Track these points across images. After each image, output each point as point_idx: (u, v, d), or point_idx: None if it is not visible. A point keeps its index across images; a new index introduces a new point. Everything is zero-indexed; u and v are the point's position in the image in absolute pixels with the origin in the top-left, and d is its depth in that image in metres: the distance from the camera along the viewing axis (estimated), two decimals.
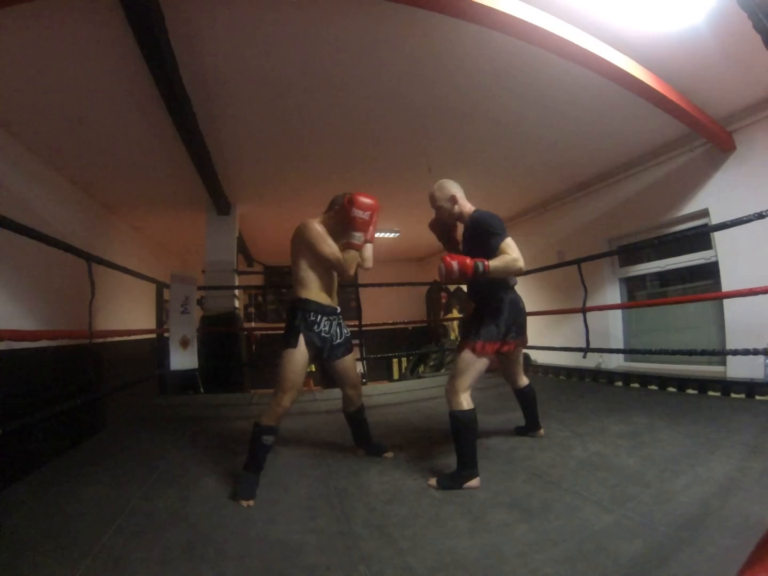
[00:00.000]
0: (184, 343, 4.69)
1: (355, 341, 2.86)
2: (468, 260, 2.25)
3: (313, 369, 7.34)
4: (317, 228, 2.36)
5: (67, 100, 3.40)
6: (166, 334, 4.79)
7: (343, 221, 2.38)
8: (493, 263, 2.25)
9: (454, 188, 2.56)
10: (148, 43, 2.67)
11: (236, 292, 6.31)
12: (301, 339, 2.29)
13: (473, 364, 2.33)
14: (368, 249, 2.54)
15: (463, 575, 1.45)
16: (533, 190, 6.38)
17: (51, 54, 2.87)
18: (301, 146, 4.57)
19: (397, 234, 8.46)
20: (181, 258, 9.76)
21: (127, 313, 6.44)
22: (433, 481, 2.24)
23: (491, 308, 2.41)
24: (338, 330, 2.51)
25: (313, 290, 2.40)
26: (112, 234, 6.34)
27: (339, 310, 2.54)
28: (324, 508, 2.00)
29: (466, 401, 2.28)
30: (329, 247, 2.33)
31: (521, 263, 2.28)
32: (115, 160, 4.56)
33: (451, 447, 2.79)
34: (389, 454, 2.71)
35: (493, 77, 3.42)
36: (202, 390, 5.31)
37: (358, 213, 2.29)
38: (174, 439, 3.09)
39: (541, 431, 2.90)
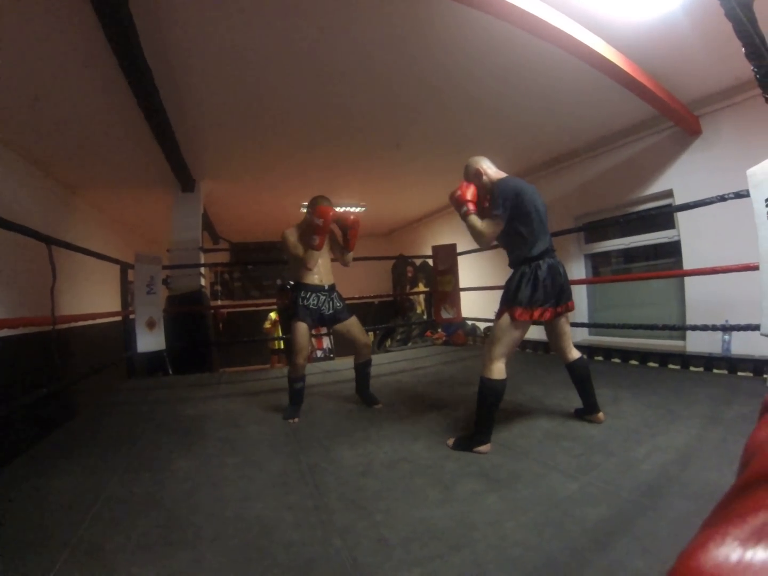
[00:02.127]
0: (151, 325, 4.57)
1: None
2: (468, 196, 2.42)
3: (282, 347, 7.30)
4: (287, 235, 3.11)
5: (21, 76, 3.18)
6: (131, 316, 4.66)
7: (308, 226, 3.06)
8: (472, 219, 2.42)
9: (478, 162, 2.56)
10: (107, 14, 2.50)
11: (202, 270, 6.15)
12: (300, 311, 3.03)
13: (509, 332, 2.30)
14: (348, 256, 3.32)
15: (436, 544, 1.47)
16: (502, 167, 6.39)
17: (2, 27, 2.66)
18: (267, 122, 4.44)
19: (364, 209, 8.37)
20: (147, 238, 9.47)
21: (92, 296, 6.21)
22: (450, 441, 2.35)
23: (525, 274, 2.34)
24: (329, 303, 3.16)
25: (301, 275, 3.11)
26: (75, 215, 6.07)
27: (327, 287, 3.17)
28: (297, 484, 2.00)
29: (497, 370, 2.29)
30: (293, 248, 3.08)
31: (482, 240, 2.41)
32: (76, 138, 4.34)
33: (421, 418, 2.85)
34: (378, 406, 3.21)
35: (468, 54, 3.37)
36: (170, 371, 5.21)
37: (315, 220, 2.96)
38: (145, 422, 3.03)
39: (600, 415, 2.55)
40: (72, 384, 3.61)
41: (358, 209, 8.33)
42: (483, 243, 2.42)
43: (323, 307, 3.12)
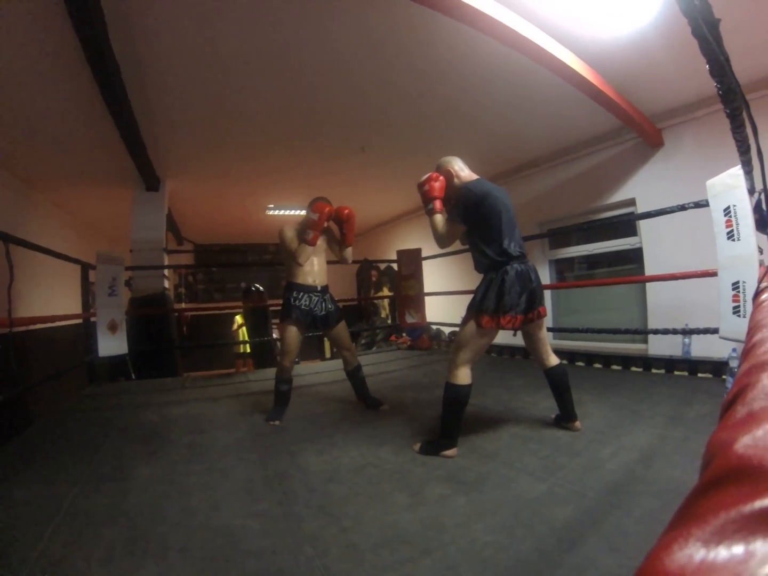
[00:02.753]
0: (113, 328, 4.42)
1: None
2: (436, 192, 2.44)
3: (247, 350, 7.20)
4: (284, 229, 3.08)
5: None
6: (93, 319, 4.48)
7: (305, 222, 3.05)
8: (434, 219, 2.47)
9: (449, 164, 2.53)
10: (74, 6, 2.41)
11: (166, 271, 6.01)
12: (291, 312, 2.97)
13: (474, 339, 2.29)
14: (348, 252, 3.27)
15: (407, 549, 1.47)
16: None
17: None
18: (235, 121, 4.38)
19: None
20: (109, 237, 9.19)
21: (51, 297, 5.98)
22: (416, 446, 2.35)
23: (493, 280, 2.29)
24: (321, 304, 3.09)
25: (294, 274, 3.06)
26: (34, 211, 5.84)
27: (320, 287, 3.12)
28: (265, 491, 1.97)
29: (462, 375, 2.28)
30: (289, 241, 3.05)
31: (440, 244, 2.48)
32: (36, 131, 4.17)
33: (386, 423, 2.85)
34: (385, 407, 3.20)
35: (439, 61, 3.39)
36: (133, 376, 5.06)
37: (311, 215, 2.98)
38: (107, 430, 2.92)
39: (577, 423, 2.50)
40: (30, 390, 3.45)
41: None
42: (440, 244, 2.48)
43: (315, 309, 3.06)
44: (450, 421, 2.29)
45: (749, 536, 0.18)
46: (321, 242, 3.15)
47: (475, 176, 2.52)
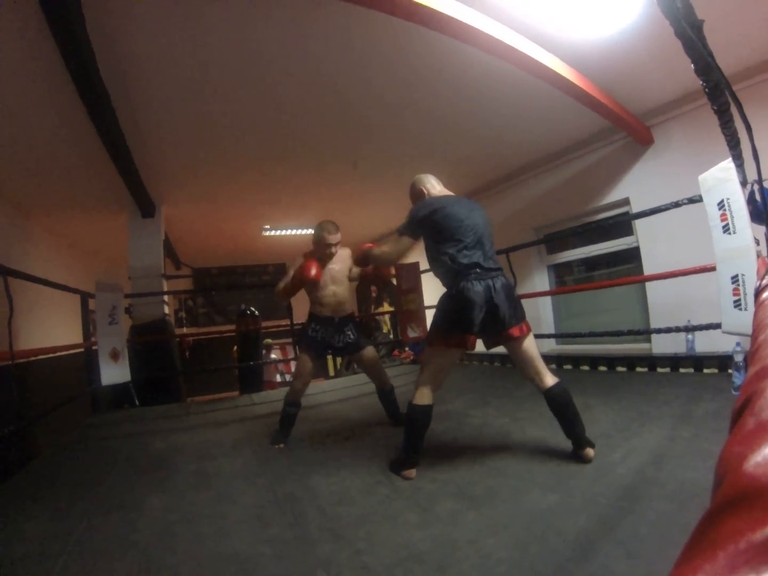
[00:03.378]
0: (115, 356, 4.40)
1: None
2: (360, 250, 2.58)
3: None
4: (288, 270, 3.13)
5: None
6: (94, 348, 4.48)
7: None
8: (372, 252, 2.57)
9: (422, 182, 2.50)
10: (62, 34, 2.43)
11: (165, 297, 6.01)
12: (306, 342, 3.06)
13: (433, 358, 2.27)
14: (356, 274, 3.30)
15: (420, 568, 1.44)
16: (460, 182, 6.45)
17: None
18: (227, 144, 4.40)
19: None
20: (108, 264, 9.14)
21: (52, 327, 5.94)
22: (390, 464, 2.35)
23: (446, 298, 2.23)
24: (339, 335, 3.08)
25: (315, 305, 3.10)
26: (29, 241, 5.81)
27: (337, 319, 3.07)
28: (275, 516, 1.94)
29: (423, 395, 2.23)
30: (284, 284, 3.08)
31: (384, 257, 2.50)
32: (29, 159, 4.18)
33: (393, 440, 2.82)
34: None
35: (426, 71, 3.42)
36: (137, 403, 5.03)
37: (296, 275, 2.97)
38: (113, 459, 2.88)
39: (588, 451, 2.14)
40: (34, 422, 3.43)
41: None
42: (385, 260, 2.51)
43: (332, 340, 3.05)
44: (410, 441, 2.26)
45: (759, 566, 0.17)
46: (341, 267, 3.11)
47: (446, 192, 2.48)
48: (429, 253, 2.36)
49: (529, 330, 2.28)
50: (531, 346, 2.28)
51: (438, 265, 2.29)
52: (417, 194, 2.50)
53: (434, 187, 2.49)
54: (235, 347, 7.46)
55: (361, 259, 2.71)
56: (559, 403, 2.23)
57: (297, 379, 3.06)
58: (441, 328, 2.21)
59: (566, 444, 2.34)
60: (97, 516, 2.03)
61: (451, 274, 2.20)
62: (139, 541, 1.78)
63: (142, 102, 3.47)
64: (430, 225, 2.26)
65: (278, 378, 7.83)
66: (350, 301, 3.22)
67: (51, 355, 4.48)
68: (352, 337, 3.11)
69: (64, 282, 4.03)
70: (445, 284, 2.29)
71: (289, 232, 8.00)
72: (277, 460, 2.66)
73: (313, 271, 2.87)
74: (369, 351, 3.17)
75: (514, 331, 2.21)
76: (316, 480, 2.30)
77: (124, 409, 4.90)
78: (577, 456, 2.18)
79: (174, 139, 4.17)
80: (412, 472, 2.21)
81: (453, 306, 2.17)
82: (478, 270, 2.18)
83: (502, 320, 2.17)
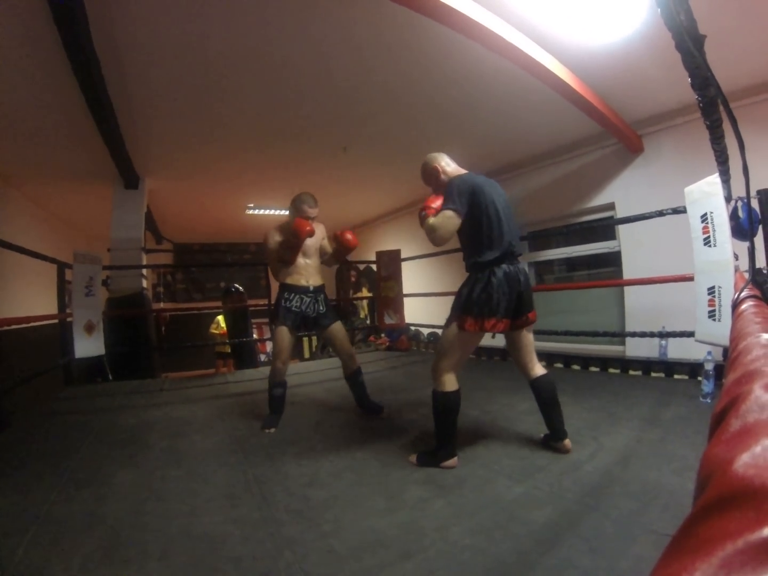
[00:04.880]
0: (89, 329, 4.31)
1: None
2: (432, 204, 2.21)
3: (228, 351, 7.08)
4: (267, 237, 3.02)
5: None
6: (69, 319, 4.38)
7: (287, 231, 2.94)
8: (429, 221, 2.17)
9: (435, 160, 2.39)
10: None
11: (144, 271, 5.91)
12: (281, 314, 2.90)
13: (458, 343, 2.17)
14: (331, 264, 3.31)
15: (386, 553, 1.46)
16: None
17: None
18: (216, 120, 4.30)
19: None
20: (87, 235, 8.97)
21: (26, 297, 5.80)
22: (413, 458, 2.23)
23: (479, 282, 2.14)
24: (313, 305, 3.00)
25: (286, 275, 2.98)
26: (9, 208, 5.65)
27: (312, 288, 3.01)
28: (244, 496, 1.94)
29: (448, 382, 2.17)
30: (270, 254, 3.00)
31: (435, 235, 2.15)
32: (12, 124, 4.03)
33: (365, 425, 2.84)
34: (385, 413, 3.11)
35: (424, 62, 3.38)
36: (110, 378, 4.95)
37: (290, 235, 2.86)
38: (84, 433, 2.84)
39: (566, 443, 2.24)
40: (4, 393, 3.35)
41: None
42: (436, 237, 2.16)
43: (307, 310, 2.97)
44: (443, 431, 2.17)
45: (759, 568, 0.17)
46: (313, 241, 3.04)
47: (462, 170, 2.37)
48: (462, 233, 2.23)
49: (536, 317, 2.35)
50: (531, 333, 2.36)
51: (472, 247, 2.21)
52: (430, 172, 2.39)
53: (449, 164, 2.40)
54: (214, 326, 7.35)
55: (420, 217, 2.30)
56: (547, 393, 2.32)
57: (277, 357, 2.93)
58: (472, 311, 2.11)
59: (536, 438, 2.42)
60: (66, 491, 2.01)
61: (485, 258, 2.16)
62: (107, 517, 1.77)
63: (134, 71, 3.35)
64: (470, 204, 2.15)
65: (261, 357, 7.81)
66: (322, 275, 3.14)
67: (24, 325, 4.37)
68: (322, 308, 3.04)
69: (42, 252, 3.92)
70: (472, 267, 2.21)
71: (273, 212, 7.92)
72: (249, 441, 2.66)
73: (308, 227, 2.83)
74: (339, 325, 3.12)
75: (532, 315, 2.29)
76: (286, 462, 2.31)
77: (97, 383, 4.83)
78: (554, 447, 2.27)
79: (163, 111, 4.06)
80: (454, 461, 2.14)
81: (489, 290, 2.11)
82: (512, 253, 2.21)
83: (527, 304, 2.24)
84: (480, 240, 2.17)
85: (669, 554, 0.22)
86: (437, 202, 2.22)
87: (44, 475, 2.17)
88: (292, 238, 2.85)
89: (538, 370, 2.34)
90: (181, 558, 1.48)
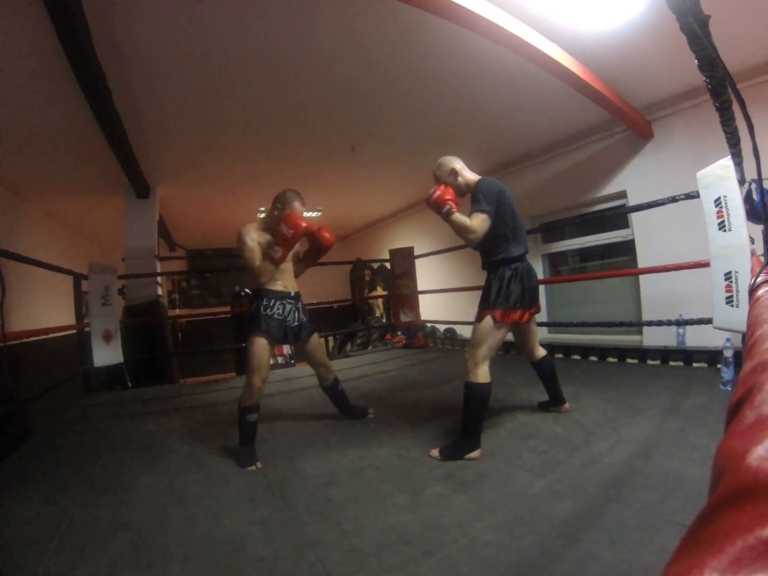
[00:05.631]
0: (107, 337, 4.39)
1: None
2: (448, 196, 2.31)
3: None
4: (243, 235, 2.60)
5: None
6: (87, 329, 4.46)
7: (274, 229, 2.56)
8: (457, 217, 2.29)
9: (453, 162, 2.48)
10: (57, 9, 2.36)
11: (159, 279, 5.98)
12: (262, 322, 2.56)
13: (492, 334, 2.29)
14: (302, 270, 2.94)
15: (408, 550, 1.46)
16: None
17: None
18: (224, 125, 4.33)
19: (320, 213, 8.31)
20: (102, 246, 9.10)
21: (44, 309, 5.90)
22: (435, 452, 2.26)
23: (507, 276, 2.34)
24: (295, 313, 2.73)
25: (267, 279, 2.62)
26: (24, 222, 5.75)
27: (293, 293, 2.75)
28: (265, 498, 1.96)
29: (483, 374, 2.26)
30: (248, 254, 2.57)
31: (474, 236, 2.27)
32: (23, 140, 4.10)
33: (383, 423, 2.83)
34: (371, 414, 3.05)
35: (428, 57, 3.37)
36: (130, 385, 5.02)
37: (284, 229, 2.48)
38: (106, 440, 2.89)
39: (566, 406, 2.72)
40: (26, 403, 3.41)
41: (315, 213, 8.25)
42: (474, 239, 2.29)
43: (289, 318, 2.68)
44: (473, 422, 2.23)
45: None
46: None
47: (477, 176, 2.49)
48: (491, 231, 2.33)
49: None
50: (535, 320, 2.68)
51: (501, 244, 2.38)
52: (448, 173, 2.47)
53: (465, 168, 2.51)
54: None
55: (436, 205, 2.35)
56: (549, 370, 2.70)
57: (255, 372, 2.48)
58: (505, 303, 2.29)
59: (557, 431, 2.43)
60: (90, 497, 2.05)
61: (514, 254, 2.38)
62: (131, 522, 1.80)
63: (139, 83, 3.40)
64: (500, 206, 2.33)
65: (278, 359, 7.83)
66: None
67: (43, 337, 4.45)
68: (304, 317, 2.80)
69: (58, 264, 4.00)
70: (499, 263, 2.39)
71: None
72: (267, 443, 2.68)
73: (305, 223, 2.55)
74: (316, 336, 2.91)
75: (538, 305, 2.55)
76: (305, 462, 2.33)
77: (116, 391, 4.90)
78: (555, 410, 2.73)
79: (171, 121, 4.11)
80: (478, 453, 2.20)
81: (518, 284, 2.33)
82: (526, 252, 2.46)
83: (537, 295, 2.50)
84: (507, 237, 2.38)
85: (682, 549, 0.22)
86: (450, 192, 2.36)
87: (68, 483, 2.22)
88: (288, 234, 2.48)
89: (541, 351, 2.71)
90: (203, 561, 1.50)
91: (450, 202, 2.32)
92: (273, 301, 2.64)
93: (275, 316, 2.62)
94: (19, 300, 5.02)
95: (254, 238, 2.60)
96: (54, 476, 2.32)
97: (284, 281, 2.73)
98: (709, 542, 0.20)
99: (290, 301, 2.72)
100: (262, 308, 2.60)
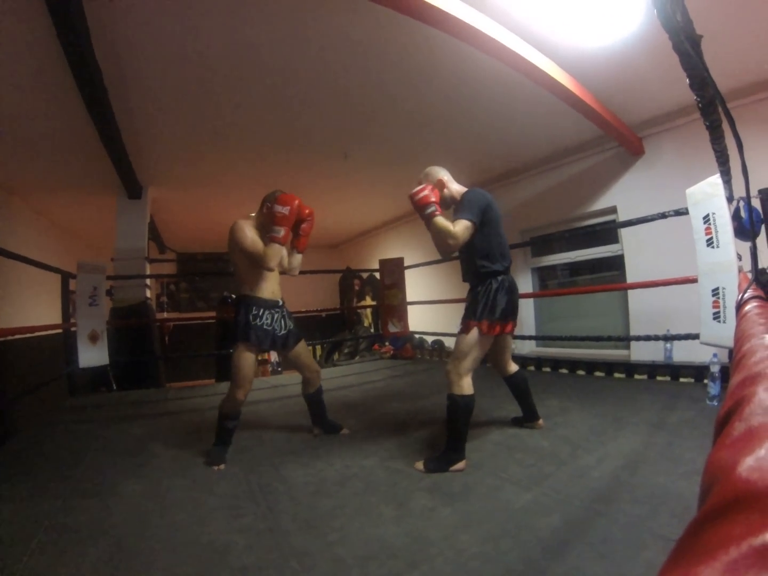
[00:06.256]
0: (93, 338, 4.34)
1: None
2: (433, 198, 2.27)
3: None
4: (242, 226, 2.50)
5: None
6: (73, 329, 4.41)
7: (268, 219, 2.51)
8: (439, 220, 2.23)
9: (440, 173, 2.47)
10: (57, 7, 2.36)
11: (148, 281, 5.93)
12: (250, 333, 2.48)
13: (477, 346, 2.27)
14: (297, 259, 2.81)
15: (393, 562, 1.45)
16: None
17: None
18: (217, 129, 4.33)
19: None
20: (91, 245, 9.02)
21: (30, 307, 5.81)
22: (419, 465, 2.23)
23: (492, 288, 2.31)
24: (282, 322, 2.67)
25: (253, 286, 2.57)
26: (13, 219, 5.68)
27: (281, 302, 2.71)
28: (249, 506, 1.93)
29: (467, 385, 2.24)
30: (251, 241, 2.46)
31: (454, 243, 2.22)
32: (16, 136, 4.07)
33: (370, 434, 2.82)
34: (345, 431, 2.91)
35: (423, 67, 3.40)
36: (114, 387, 4.96)
37: (279, 209, 2.42)
38: (89, 443, 2.85)
39: (540, 422, 2.70)
40: (10, 403, 3.36)
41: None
42: (454, 245, 2.24)
43: (277, 327, 2.63)
44: (457, 434, 2.22)
45: (763, 572, 0.17)
46: None
47: (463, 188, 2.47)
48: (477, 242, 2.33)
49: None
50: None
51: (482, 257, 2.36)
52: (435, 184, 2.43)
53: (451, 180, 2.50)
54: None
55: (419, 205, 2.30)
56: (524, 385, 2.68)
57: (239, 386, 2.47)
58: (491, 316, 2.28)
59: (544, 444, 2.42)
60: (72, 500, 2.01)
61: (500, 266, 2.37)
62: (113, 526, 1.77)
63: (136, 84, 3.39)
64: (487, 217, 2.32)
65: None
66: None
67: (29, 335, 4.39)
68: (291, 324, 2.73)
69: (47, 262, 3.96)
70: (479, 276, 2.37)
71: None
72: (253, 450, 2.65)
73: (296, 200, 2.49)
74: (303, 342, 2.83)
75: (516, 320, 2.50)
76: (291, 471, 2.30)
77: (101, 393, 4.84)
78: (529, 426, 2.71)
79: (166, 123, 4.10)
80: (464, 464, 2.19)
81: (503, 296, 2.32)
82: (509, 265, 2.44)
83: (517, 309, 2.45)
84: (494, 250, 2.36)
85: (672, 560, 0.22)
86: (435, 194, 2.31)
87: (50, 484, 2.18)
88: (284, 212, 2.42)
89: (514, 367, 2.70)
90: (185, 568, 1.47)
91: (435, 204, 2.27)
92: (262, 310, 2.57)
93: (264, 326, 2.55)
94: (4, 297, 4.95)
95: (250, 229, 2.52)
96: (36, 477, 2.28)
97: (273, 288, 2.66)
98: (700, 552, 0.20)
99: (277, 309, 2.66)
100: (251, 317, 2.52)
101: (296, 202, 2.47)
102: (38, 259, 3.73)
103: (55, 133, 4.08)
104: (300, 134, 4.61)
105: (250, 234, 2.48)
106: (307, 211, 2.70)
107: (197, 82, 3.45)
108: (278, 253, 2.47)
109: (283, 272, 2.84)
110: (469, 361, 2.26)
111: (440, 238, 2.25)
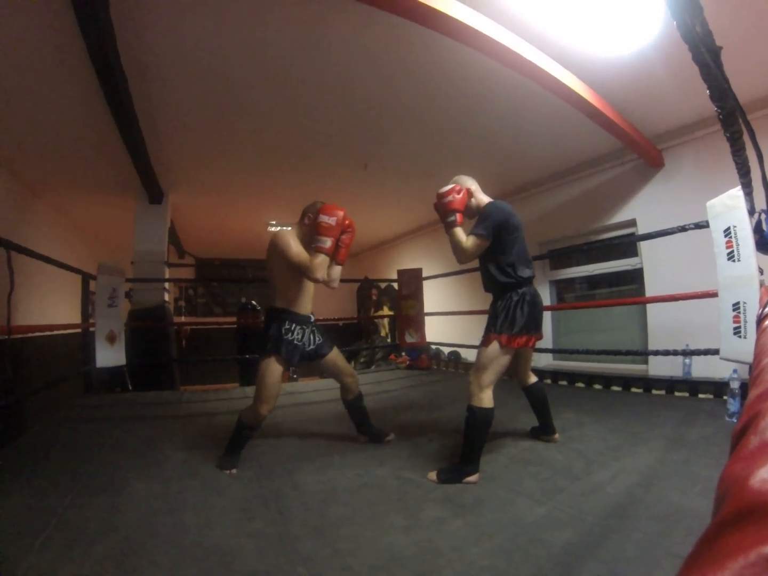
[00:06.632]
0: (111, 339, 4.41)
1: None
2: (458, 205, 2.32)
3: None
4: (286, 236, 2.44)
5: None
6: (91, 329, 4.48)
7: (312, 229, 2.44)
8: (457, 231, 2.33)
9: (468, 182, 2.48)
10: (85, 14, 2.44)
11: (166, 284, 6.02)
12: (282, 348, 2.45)
13: (498, 359, 2.25)
14: (336, 271, 2.71)
15: (402, 572, 1.44)
16: None
17: None
18: (239, 137, 4.42)
19: None
20: (111, 247, 9.18)
21: (51, 306, 5.95)
22: (432, 475, 2.22)
23: (513, 302, 2.31)
24: (311, 337, 2.63)
25: (289, 300, 2.54)
26: (36, 218, 5.81)
27: (313, 318, 2.68)
28: (260, 510, 1.93)
29: (487, 398, 2.22)
30: (296, 251, 2.40)
31: (462, 258, 2.35)
32: (42, 138, 4.19)
33: (384, 444, 2.80)
34: (391, 437, 2.87)
35: (442, 79, 3.43)
36: (130, 388, 5.02)
37: (324, 219, 2.37)
38: (101, 441, 2.88)
39: (556, 436, 2.66)
40: (25, 398, 3.41)
41: None
42: (463, 260, 2.37)
43: (306, 342, 2.59)
44: (473, 447, 2.21)
45: None
46: None
47: (489, 198, 2.49)
48: (493, 257, 2.37)
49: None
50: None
51: (503, 269, 2.36)
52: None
53: (479, 190, 2.50)
54: None
55: (443, 210, 2.37)
56: (541, 396, 2.68)
57: (265, 401, 2.41)
58: (513, 328, 2.26)
59: (559, 458, 2.39)
60: (81, 496, 2.03)
61: (522, 278, 2.35)
62: (121, 524, 1.78)
63: (159, 91, 3.48)
64: (505, 230, 2.32)
65: None
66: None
67: (48, 333, 4.47)
68: (319, 338, 2.70)
69: (67, 262, 4.04)
70: (501, 287, 2.37)
71: None
72: (265, 455, 2.66)
73: (341, 211, 2.46)
74: (336, 350, 2.80)
75: (541, 333, 2.50)
76: (303, 477, 2.30)
77: (116, 393, 4.90)
78: (545, 439, 2.68)
79: (187, 130, 4.18)
80: (477, 477, 2.17)
81: (522, 309, 2.30)
82: (532, 277, 2.43)
83: (541, 323, 2.48)
84: (512, 264, 2.35)
85: (686, 569, 0.22)
86: (462, 201, 2.36)
87: (60, 481, 2.20)
88: (330, 222, 2.38)
89: (533, 377, 2.72)
90: (192, 570, 1.48)
91: (458, 213, 2.34)
92: (294, 325, 2.53)
93: (295, 341, 2.52)
94: (26, 295, 5.05)
95: (295, 240, 2.44)
96: (47, 472, 2.30)
97: (306, 302, 2.62)
98: (711, 561, 0.20)
99: (309, 325, 2.63)
100: (284, 332, 2.48)
101: (342, 213, 2.43)
102: (60, 259, 3.81)
103: (80, 135, 4.19)
104: (321, 144, 4.67)
105: (294, 244, 2.41)
106: (347, 222, 2.59)
107: (218, 90, 3.52)
108: (325, 264, 2.40)
109: (324, 284, 2.64)
110: (490, 374, 2.25)
111: (454, 249, 2.37)
